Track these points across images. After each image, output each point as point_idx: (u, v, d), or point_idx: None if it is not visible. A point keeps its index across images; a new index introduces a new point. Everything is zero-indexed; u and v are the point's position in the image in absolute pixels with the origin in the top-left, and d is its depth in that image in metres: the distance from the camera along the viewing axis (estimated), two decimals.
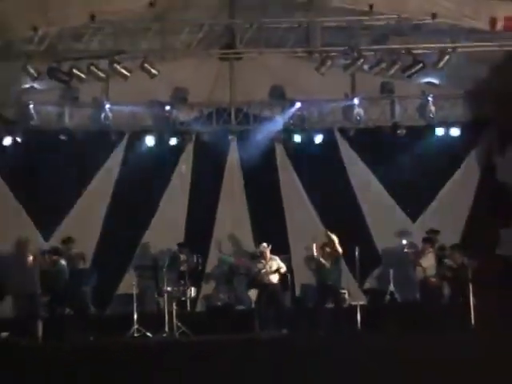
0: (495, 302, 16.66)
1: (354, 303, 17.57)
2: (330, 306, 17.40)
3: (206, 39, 17.04)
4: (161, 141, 19.19)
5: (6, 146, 18.54)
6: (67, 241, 18.10)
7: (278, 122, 19.36)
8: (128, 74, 16.50)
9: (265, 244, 17.36)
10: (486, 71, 17.60)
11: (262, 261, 17.28)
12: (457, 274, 17.49)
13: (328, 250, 17.08)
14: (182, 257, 18.43)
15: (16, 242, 18.22)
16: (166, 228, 19.39)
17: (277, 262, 17.35)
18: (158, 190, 19.52)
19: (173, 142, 19.29)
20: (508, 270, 18.06)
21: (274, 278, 17.27)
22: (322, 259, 17.06)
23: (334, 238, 17.04)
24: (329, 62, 16.44)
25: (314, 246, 16.99)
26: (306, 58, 17.09)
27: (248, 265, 18.50)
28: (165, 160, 19.48)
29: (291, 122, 19.27)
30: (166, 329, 16.57)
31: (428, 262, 17.95)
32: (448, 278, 17.97)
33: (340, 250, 17.05)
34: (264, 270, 17.20)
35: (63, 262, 17.31)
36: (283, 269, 17.48)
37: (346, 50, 16.25)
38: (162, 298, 17.39)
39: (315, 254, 17.10)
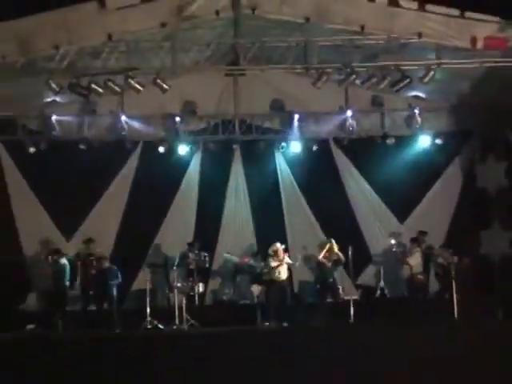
0: (477, 297, 16.71)
1: (347, 298, 17.63)
2: (329, 300, 17.68)
3: (212, 57, 17.10)
4: (171, 149, 19.18)
5: (30, 155, 18.59)
6: (87, 241, 18.17)
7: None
8: (141, 89, 16.50)
9: (278, 244, 17.51)
10: (468, 86, 17.67)
11: (276, 258, 17.39)
12: (446, 272, 17.53)
13: (328, 254, 17.56)
14: (191, 255, 18.40)
15: (39, 243, 18.43)
16: (176, 229, 19.42)
17: (287, 262, 17.52)
18: (169, 195, 19.51)
19: (182, 150, 19.24)
20: (487, 268, 18.12)
21: (284, 275, 17.36)
22: (324, 260, 17.54)
23: (334, 245, 17.66)
24: (324, 78, 16.47)
25: (322, 253, 17.67)
26: (304, 73, 17.08)
27: (251, 263, 18.54)
28: (175, 167, 19.47)
29: (290, 132, 19.23)
30: (176, 321, 16.68)
31: (415, 260, 17.97)
32: (438, 275, 17.98)
33: (341, 255, 17.54)
34: (277, 267, 17.30)
35: (64, 261, 17.41)
36: (293, 266, 17.78)
37: (340, 66, 16.26)
38: (172, 294, 17.48)
39: (320, 257, 17.65)
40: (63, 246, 18.52)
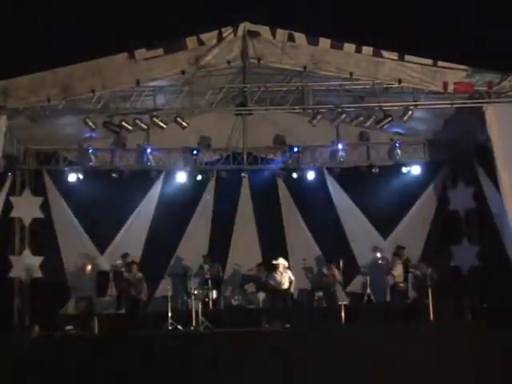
0: (449, 302, 16.68)
1: (339, 303, 17.57)
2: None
3: (224, 99, 17.12)
4: (190, 177, 19.23)
5: (70, 182, 18.73)
6: (124, 256, 18.23)
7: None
8: (164, 126, 16.55)
9: (281, 258, 17.50)
10: (441, 124, 17.67)
11: (278, 272, 17.30)
12: (422, 281, 17.50)
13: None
14: (206, 267, 18.46)
15: (78, 257, 18.48)
16: (193, 244, 19.42)
17: (289, 275, 17.49)
18: (188, 215, 19.59)
19: (199, 178, 19.31)
20: (457, 278, 18.13)
21: (285, 285, 17.34)
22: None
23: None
24: (319, 117, 16.45)
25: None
26: (302, 113, 17.03)
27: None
28: (193, 192, 19.54)
29: (290, 162, 19.26)
30: (193, 323, 16.57)
31: (397, 271, 18.02)
32: (416, 285, 17.96)
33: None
34: (279, 279, 17.24)
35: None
36: (293, 281, 17.78)
37: (332, 107, 16.23)
38: (190, 299, 17.30)
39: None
40: (97, 259, 18.67)
